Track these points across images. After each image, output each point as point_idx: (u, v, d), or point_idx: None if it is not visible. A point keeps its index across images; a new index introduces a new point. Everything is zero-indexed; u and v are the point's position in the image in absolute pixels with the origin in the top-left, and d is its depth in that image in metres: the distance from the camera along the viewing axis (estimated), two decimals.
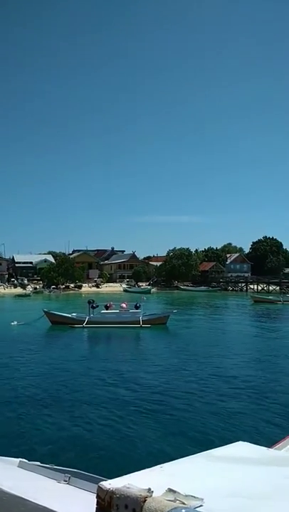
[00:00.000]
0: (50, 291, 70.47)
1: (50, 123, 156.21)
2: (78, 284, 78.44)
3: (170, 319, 25.73)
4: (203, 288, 76.00)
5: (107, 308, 24.84)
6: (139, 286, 76.32)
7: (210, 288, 75.95)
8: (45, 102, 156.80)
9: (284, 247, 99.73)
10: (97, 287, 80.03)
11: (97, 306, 24.79)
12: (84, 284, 79.90)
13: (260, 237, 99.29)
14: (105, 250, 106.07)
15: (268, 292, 65.64)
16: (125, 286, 74.73)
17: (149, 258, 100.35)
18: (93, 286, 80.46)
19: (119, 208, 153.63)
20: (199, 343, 19.44)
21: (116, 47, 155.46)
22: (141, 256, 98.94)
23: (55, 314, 24.76)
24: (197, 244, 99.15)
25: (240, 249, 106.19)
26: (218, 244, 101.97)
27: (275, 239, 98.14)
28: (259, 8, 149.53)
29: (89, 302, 24.57)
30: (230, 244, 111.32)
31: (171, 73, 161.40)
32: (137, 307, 24.73)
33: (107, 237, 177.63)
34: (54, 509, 1.10)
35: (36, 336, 21.17)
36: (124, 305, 25.03)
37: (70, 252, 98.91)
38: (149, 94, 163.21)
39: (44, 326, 23.50)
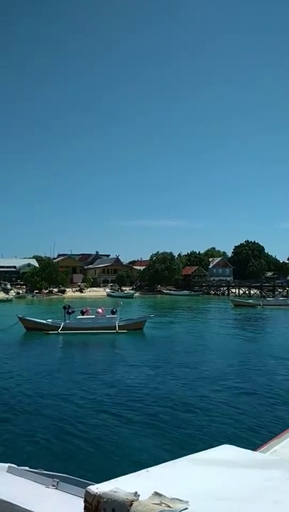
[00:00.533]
0: (33, 296, 70.37)
1: (35, 126, 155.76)
2: (62, 288, 78.50)
3: (148, 324, 26.15)
4: (185, 292, 76.85)
5: (83, 313, 25.23)
6: (122, 291, 76.76)
7: (192, 292, 76.82)
8: (32, 103, 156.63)
9: (266, 251, 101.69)
10: (81, 292, 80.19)
11: (73, 312, 25.10)
12: (67, 289, 79.97)
13: (242, 242, 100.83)
14: (90, 254, 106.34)
15: (249, 296, 66.84)
16: (108, 290, 75.06)
17: (134, 262, 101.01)
18: (77, 290, 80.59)
19: (105, 212, 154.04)
20: (175, 348, 19.98)
21: (115, 43, 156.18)
22: (127, 260, 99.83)
23: (29, 320, 24.86)
24: (182, 248, 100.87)
25: (224, 254, 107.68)
26: (202, 249, 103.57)
27: (257, 243, 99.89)
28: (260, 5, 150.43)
29: (64, 308, 24.73)
30: (213, 248, 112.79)
31: (154, 78, 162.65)
32: (113, 312, 25.18)
33: (93, 241, 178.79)
34: None
35: (7, 343, 20.93)
36: (100, 310, 25.44)
37: (56, 256, 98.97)
38: (131, 101, 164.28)
39: (19, 333, 23.57)
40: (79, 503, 1.04)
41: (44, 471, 1.55)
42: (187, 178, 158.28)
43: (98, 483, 1.07)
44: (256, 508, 1.02)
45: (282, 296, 53.85)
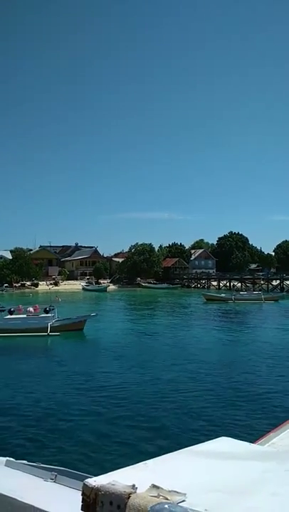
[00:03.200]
0: (2, 290, 66.94)
1: (13, 110, 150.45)
2: (35, 282, 75.15)
3: (94, 323, 23.35)
4: (164, 285, 73.95)
5: (11, 312, 21.99)
6: (99, 284, 73.64)
7: (170, 285, 73.91)
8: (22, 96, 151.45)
9: (250, 243, 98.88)
10: (56, 285, 76.82)
11: (3, 311, 21.95)
12: (41, 282, 76.62)
13: (226, 233, 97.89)
14: (70, 246, 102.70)
15: (230, 289, 64.11)
16: (83, 284, 71.83)
17: (117, 255, 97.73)
18: (51, 284, 77.22)
19: (90, 203, 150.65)
20: (118, 351, 17.01)
21: (115, 40, 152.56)
22: (111, 252, 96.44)
23: None
24: (170, 240, 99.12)
25: (212, 246, 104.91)
26: (190, 241, 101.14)
27: (241, 234, 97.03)
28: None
29: None
30: (202, 240, 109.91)
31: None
32: (46, 311, 22.02)
33: (78, 233, 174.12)
34: (40, 507, 1.13)
35: None
36: (31, 309, 22.24)
37: (37, 249, 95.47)
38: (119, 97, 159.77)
39: None
40: (77, 496, 1.04)
41: (42, 465, 1.53)
42: (179, 171, 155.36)
43: (96, 476, 1.07)
44: (254, 500, 1.02)
45: (260, 290, 50.81)
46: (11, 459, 1.67)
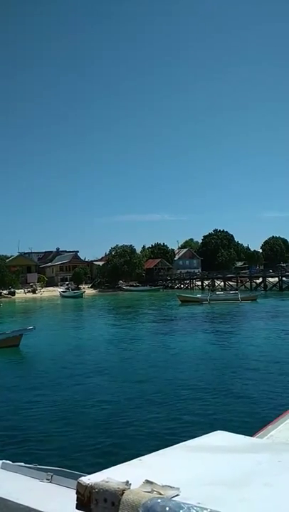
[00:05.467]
0: None
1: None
2: (11, 290, 72.13)
3: (42, 336, 21.02)
4: (145, 287, 71.22)
5: None
6: (79, 289, 70.72)
7: (152, 287, 71.16)
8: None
9: (236, 240, 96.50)
10: (34, 293, 74.01)
11: None
12: (19, 291, 73.63)
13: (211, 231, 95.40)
14: (51, 252, 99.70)
15: (213, 288, 61.53)
16: (60, 290, 68.84)
17: (101, 258, 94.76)
18: (29, 291, 74.34)
19: (77, 207, 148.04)
20: (54, 372, 14.12)
21: (115, 36, 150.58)
22: (98, 256, 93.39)
23: None
24: (162, 241, 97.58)
25: (197, 244, 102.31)
26: (181, 241, 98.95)
27: (226, 232, 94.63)
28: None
29: None
30: (191, 239, 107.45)
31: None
32: None
33: (65, 238, 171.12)
34: (35, 507, 1.12)
35: None
36: None
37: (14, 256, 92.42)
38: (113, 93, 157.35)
39: None
40: (73, 495, 1.05)
41: (38, 466, 1.54)
42: (171, 172, 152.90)
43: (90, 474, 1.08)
44: (247, 491, 1.03)
45: (238, 289, 48.05)
46: (7, 461, 1.65)
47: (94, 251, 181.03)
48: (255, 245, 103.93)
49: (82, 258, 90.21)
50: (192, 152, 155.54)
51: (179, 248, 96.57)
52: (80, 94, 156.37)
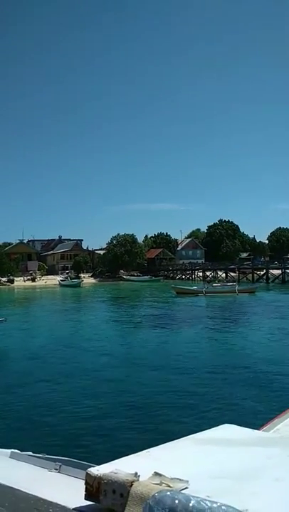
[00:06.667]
0: None
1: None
2: (10, 278, 71.30)
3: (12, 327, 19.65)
4: (146, 278, 69.79)
5: None
6: (79, 278, 69.61)
7: (153, 277, 69.68)
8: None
9: (241, 231, 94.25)
10: (33, 281, 73.07)
11: None
12: (18, 278, 72.78)
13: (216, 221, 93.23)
14: (53, 240, 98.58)
15: (210, 280, 59.85)
16: (59, 279, 67.76)
17: (105, 248, 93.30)
18: (28, 279, 73.44)
19: (84, 195, 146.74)
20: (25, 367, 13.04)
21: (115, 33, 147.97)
22: (102, 245, 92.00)
23: None
24: (167, 230, 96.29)
25: (202, 234, 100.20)
26: (188, 230, 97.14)
27: (232, 222, 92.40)
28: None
29: None
30: (198, 229, 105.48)
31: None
32: None
33: (69, 227, 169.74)
34: (44, 497, 1.12)
35: None
36: None
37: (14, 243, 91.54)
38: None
39: None
40: (81, 486, 1.05)
41: (47, 456, 1.52)
42: (179, 162, 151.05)
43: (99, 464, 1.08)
44: (257, 485, 1.02)
45: (235, 281, 46.16)
46: (16, 450, 1.64)
47: (100, 240, 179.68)
48: (263, 237, 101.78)
49: (86, 247, 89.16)
50: (203, 144, 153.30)
51: (185, 238, 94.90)
52: (84, 83, 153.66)
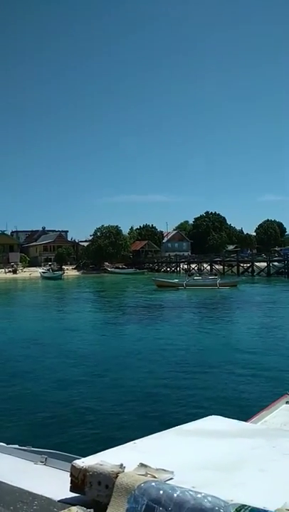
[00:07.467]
0: None
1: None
2: None
3: None
4: (130, 270, 68.39)
5: None
6: (62, 270, 67.89)
7: (137, 270, 68.31)
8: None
9: (228, 223, 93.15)
10: (15, 273, 71.10)
11: None
12: None
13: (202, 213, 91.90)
14: (37, 231, 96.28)
15: (200, 272, 58.60)
16: (41, 271, 65.99)
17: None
18: (9, 271, 71.42)
19: (72, 186, 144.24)
20: None
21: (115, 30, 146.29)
22: (88, 237, 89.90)
23: None
24: (155, 222, 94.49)
25: (188, 226, 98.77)
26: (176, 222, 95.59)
27: (219, 214, 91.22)
28: None
29: None
30: (186, 222, 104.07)
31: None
32: None
33: (57, 218, 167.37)
34: (29, 489, 1.12)
35: None
36: None
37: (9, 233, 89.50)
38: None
39: None
40: (67, 478, 1.05)
41: (33, 448, 1.53)
42: (171, 154, 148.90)
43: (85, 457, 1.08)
44: (242, 476, 1.03)
45: (219, 274, 44.89)
46: (2, 443, 1.64)
47: (87, 232, 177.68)
48: (251, 229, 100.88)
49: (72, 238, 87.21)
50: (192, 137, 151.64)
51: (173, 230, 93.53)
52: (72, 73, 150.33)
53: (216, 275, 42.23)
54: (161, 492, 0.82)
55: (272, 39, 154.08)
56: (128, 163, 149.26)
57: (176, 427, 1.44)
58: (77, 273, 71.25)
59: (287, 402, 4.15)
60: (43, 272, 64.62)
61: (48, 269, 66.21)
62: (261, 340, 15.23)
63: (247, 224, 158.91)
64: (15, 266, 72.93)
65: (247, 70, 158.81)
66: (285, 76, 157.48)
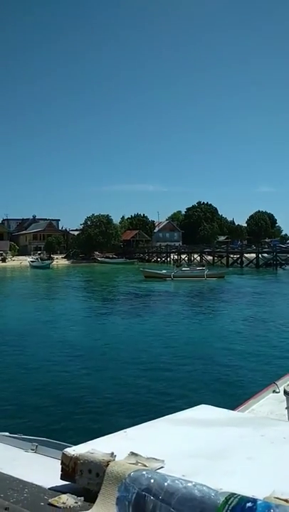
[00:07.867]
0: None
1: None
2: None
3: None
4: (120, 260, 68.14)
5: None
6: (51, 259, 67.48)
7: (127, 260, 68.07)
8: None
9: (220, 214, 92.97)
10: (3, 261, 70.57)
11: None
12: None
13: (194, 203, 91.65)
14: (27, 219, 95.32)
15: (190, 262, 58.48)
16: (30, 259, 65.51)
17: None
18: None
19: (66, 175, 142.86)
20: None
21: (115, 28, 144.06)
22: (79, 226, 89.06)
23: None
24: (147, 212, 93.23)
25: (180, 216, 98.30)
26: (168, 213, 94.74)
27: (210, 204, 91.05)
28: None
29: None
30: (179, 212, 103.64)
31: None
32: None
33: (49, 206, 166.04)
34: (19, 477, 1.11)
35: None
36: None
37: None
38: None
39: None
40: (57, 466, 1.04)
41: (23, 436, 1.51)
42: (167, 144, 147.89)
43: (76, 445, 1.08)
44: (231, 464, 1.04)
45: (201, 266, 44.49)
46: None
47: (78, 221, 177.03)
48: (242, 220, 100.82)
49: (63, 227, 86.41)
50: (187, 128, 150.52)
51: (165, 220, 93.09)
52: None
53: (204, 266, 42.12)
54: (151, 481, 0.83)
55: (273, 31, 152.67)
56: (122, 153, 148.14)
57: (166, 416, 1.43)
58: (66, 262, 70.89)
59: (274, 391, 4.11)
60: (32, 261, 64.20)
61: (37, 258, 65.77)
62: (247, 330, 15.37)
63: (239, 215, 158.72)
64: (4, 255, 72.35)
65: (245, 62, 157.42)
66: (282, 68, 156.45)
